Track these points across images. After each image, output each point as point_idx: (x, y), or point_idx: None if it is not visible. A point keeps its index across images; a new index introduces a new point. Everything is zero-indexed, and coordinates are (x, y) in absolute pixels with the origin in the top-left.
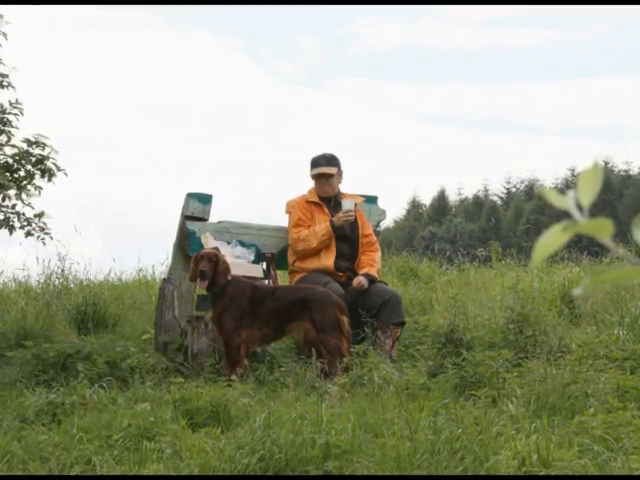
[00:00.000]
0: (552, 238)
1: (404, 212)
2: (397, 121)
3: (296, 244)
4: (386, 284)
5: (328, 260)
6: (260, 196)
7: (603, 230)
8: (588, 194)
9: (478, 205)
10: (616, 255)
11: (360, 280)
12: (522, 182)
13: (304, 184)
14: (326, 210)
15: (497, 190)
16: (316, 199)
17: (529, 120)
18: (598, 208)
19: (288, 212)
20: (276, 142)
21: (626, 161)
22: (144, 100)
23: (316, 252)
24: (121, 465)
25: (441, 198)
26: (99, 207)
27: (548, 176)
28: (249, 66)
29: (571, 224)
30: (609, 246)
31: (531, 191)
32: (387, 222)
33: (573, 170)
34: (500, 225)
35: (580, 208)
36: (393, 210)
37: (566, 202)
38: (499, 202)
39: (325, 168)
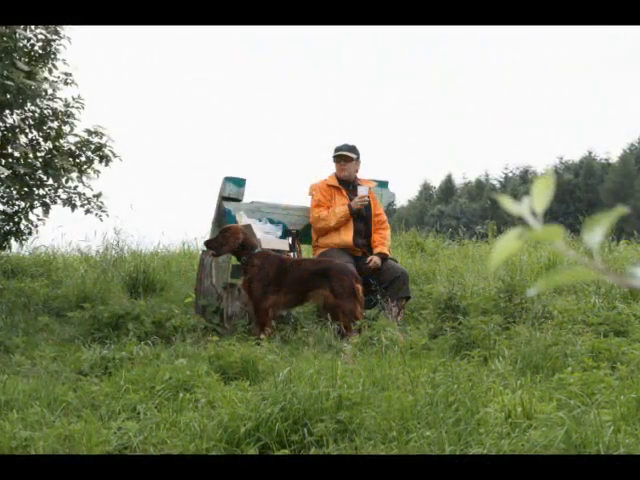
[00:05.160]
0: (508, 244)
1: (417, 193)
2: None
3: (316, 222)
4: (396, 261)
5: (347, 236)
6: (288, 179)
7: (555, 236)
8: (542, 201)
9: (480, 188)
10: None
11: (375, 260)
12: (517, 168)
13: (325, 170)
14: (344, 193)
15: (496, 175)
16: (336, 183)
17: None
18: (582, 190)
19: (310, 194)
20: (301, 131)
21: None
22: (187, 94)
23: (337, 229)
24: (161, 413)
25: (448, 181)
26: (150, 188)
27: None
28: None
29: (525, 231)
30: (561, 250)
31: (525, 176)
32: (402, 201)
33: (561, 158)
34: (498, 205)
35: (534, 214)
36: (407, 191)
37: (521, 209)
38: (498, 185)
39: (345, 152)
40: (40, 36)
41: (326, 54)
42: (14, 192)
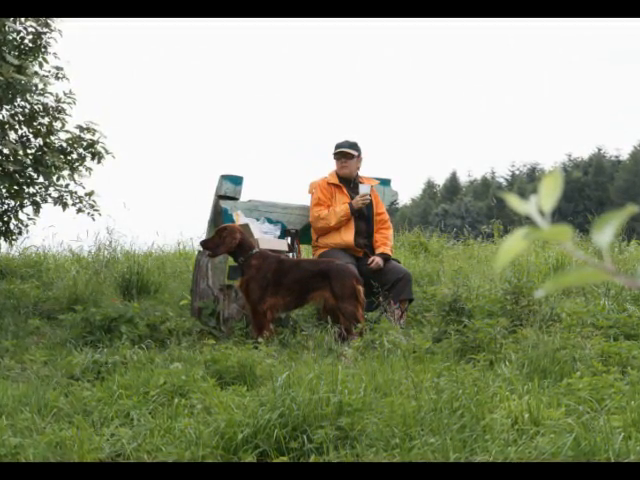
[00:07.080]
0: (514, 244)
1: (420, 191)
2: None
3: (316, 222)
4: (399, 262)
5: (348, 236)
6: (287, 177)
7: (563, 236)
8: (549, 200)
9: (485, 186)
10: None
11: (377, 260)
12: (524, 165)
13: (325, 168)
14: (345, 191)
15: (502, 172)
16: (336, 181)
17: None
18: (592, 189)
19: (310, 192)
20: (301, 128)
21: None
22: (182, 88)
23: (337, 229)
24: (156, 419)
25: (453, 179)
26: (145, 186)
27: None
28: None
29: (532, 231)
30: (570, 250)
31: (533, 173)
32: (405, 200)
33: (570, 155)
34: (504, 204)
35: (542, 213)
36: (410, 189)
37: (528, 208)
38: (504, 183)
39: (346, 149)
40: (30, 29)
41: (326, 50)
42: (3, 190)
